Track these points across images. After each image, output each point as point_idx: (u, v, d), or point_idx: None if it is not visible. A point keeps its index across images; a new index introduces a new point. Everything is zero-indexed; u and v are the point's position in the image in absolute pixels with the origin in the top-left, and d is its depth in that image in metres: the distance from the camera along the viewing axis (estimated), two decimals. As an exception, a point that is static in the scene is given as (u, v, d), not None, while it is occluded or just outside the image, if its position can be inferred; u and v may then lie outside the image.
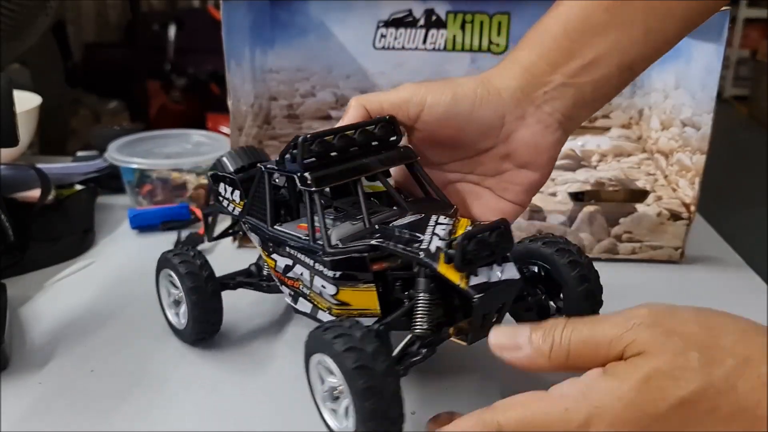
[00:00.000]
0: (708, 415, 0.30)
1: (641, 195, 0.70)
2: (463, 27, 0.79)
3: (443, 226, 0.41)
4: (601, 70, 0.45)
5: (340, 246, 0.41)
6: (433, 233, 0.40)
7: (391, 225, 0.42)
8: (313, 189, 0.42)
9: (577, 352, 0.34)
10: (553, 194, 0.69)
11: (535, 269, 0.46)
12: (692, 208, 0.66)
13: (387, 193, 0.47)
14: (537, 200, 0.67)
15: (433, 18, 0.79)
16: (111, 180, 0.80)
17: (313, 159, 0.43)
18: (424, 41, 0.80)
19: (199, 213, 0.74)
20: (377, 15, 0.79)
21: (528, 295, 0.45)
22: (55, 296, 0.61)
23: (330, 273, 0.42)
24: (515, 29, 0.79)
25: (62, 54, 1.55)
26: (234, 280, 0.54)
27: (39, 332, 0.56)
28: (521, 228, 0.66)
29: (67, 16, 2.31)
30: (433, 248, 0.39)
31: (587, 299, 0.43)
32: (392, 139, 0.46)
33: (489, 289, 0.38)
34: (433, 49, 0.80)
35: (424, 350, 0.40)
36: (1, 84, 0.57)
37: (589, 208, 0.67)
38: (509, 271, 0.39)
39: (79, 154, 0.86)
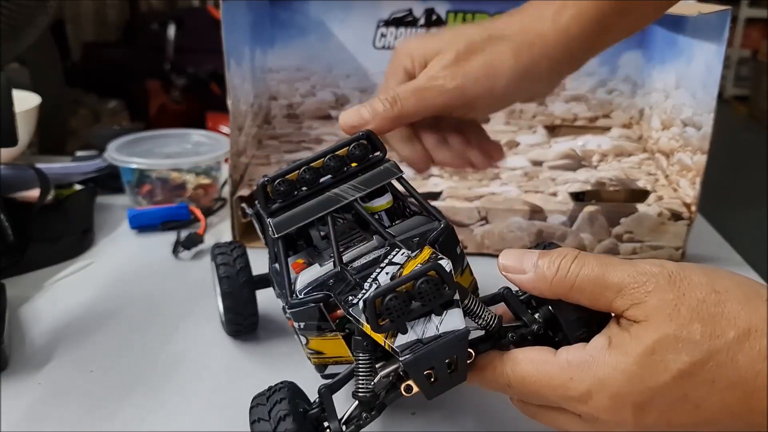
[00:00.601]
0: (707, 385, 0.30)
1: (642, 195, 0.70)
2: (463, 26, 0.79)
3: (392, 267, 0.37)
4: None
5: (299, 297, 0.39)
6: (375, 279, 0.36)
7: (350, 266, 0.39)
8: (275, 236, 0.40)
9: (582, 288, 0.34)
10: (554, 194, 0.69)
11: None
12: (693, 208, 0.66)
13: (371, 218, 0.42)
14: (537, 200, 0.67)
15: (434, 17, 0.79)
16: (110, 180, 0.80)
17: (279, 200, 0.41)
18: (425, 41, 0.79)
19: (198, 213, 0.74)
20: (377, 14, 0.79)
21: (520, 326, 0.39)
22: (55, 296, 0.61)
23: (296, 325, 0.40)
24: (516, 29, 0.79)
25: (61, 53, 1.55)
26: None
27: (38, 332, 0.55)
28: (522, 228, 0.66)
29: (66, 16, 2.31)
30: (361, 303, 0.35)
31: (580, 327, 0.36)
32: (375, 154, 0.43)
33: (420, 348, 0.34)
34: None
35: (369, 414, 0.37)
36: (0, 83, 0.57)
37: (589, 208, 0.67)
38: (450, 322, 0.34)
39: (79, 153, 0.85)
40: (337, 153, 0.42)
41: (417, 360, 0.34)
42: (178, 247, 0.69)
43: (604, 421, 0.33)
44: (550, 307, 0.38)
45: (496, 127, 0.83)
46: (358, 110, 0.46)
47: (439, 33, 0.50)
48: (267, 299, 0.53)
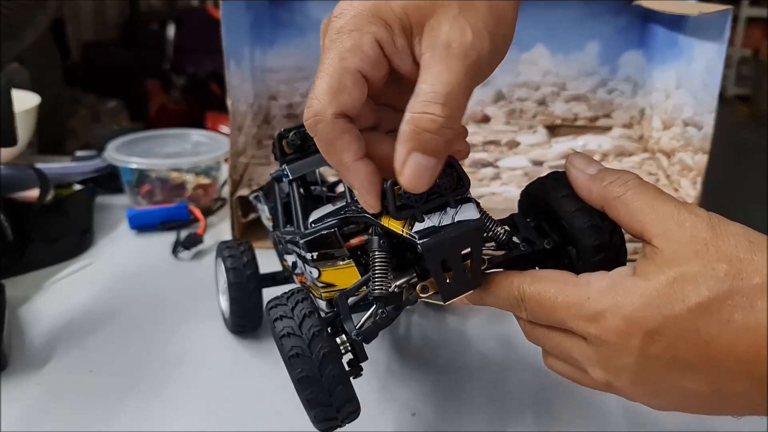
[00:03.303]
0: (721, 324, 0.30)
1: (642, 195, 0.69)
2: (463, 26, 0.79)
3: None
4: None
5: (313, 226, 0.41)
6: None
7: None
8: (290, 178, 0.43)
9: (628, 201, 0.34)
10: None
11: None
12: (694, 208, 0.66)
13: None
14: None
15: (434, 17, 0.79)
16: (110, 180, 0.80)
17: (294, 152, 0.45)
18: (425, 40, 0.79)
19: (198, 213, 0.74)
20: (377, 14, 0.79)
21: (530, 245, 0.38)
22: (54, 296, 0.61)
23: (308, 255, 0.40)
24: (516, 28, 0.79)
25: (61, 53, 1.55)
26: (281, 275, 0.54)
27: (38, 332, 0.55)
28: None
29: (65, 15, 2.31)
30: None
31: (599, 253, 0.36)
32: None
33: (436, 233, 0.34)
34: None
35: (386, 310, 0.37)
36: (0, 83, 0.57)
37: (590, 208, 0.66)
38: (465, 213, 0.35)
39: (78, 153, 0.85)
40: None
41: (434, 244, 0.34)
42: (178, 247, 0.68)
43: (611, 344, 0.32)
44: (561, 233, 0.38)
45: (496, 127, 0.82)
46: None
47: None
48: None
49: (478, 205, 0.37)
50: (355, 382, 0.38)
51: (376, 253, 0.36)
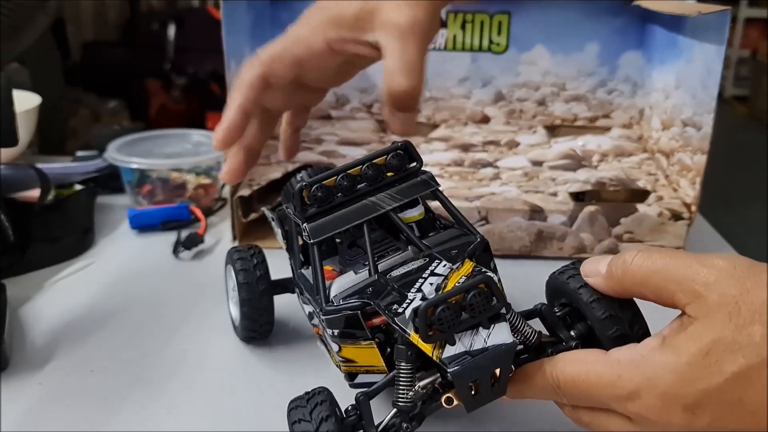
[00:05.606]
0: (762, 392, 0.29)
1: (642, 195, 0.70)
2: (463, 26, 0.79)
3: (435, 278, 0.37)
4: None
5: (334, 303, 0.39)
6: (420, 289, 0.36)
7: (388, 275, 0.39)
8: (311, 242, 0.40)
9: (646, 281, 0.34)
10: (554, 194, 0.69)
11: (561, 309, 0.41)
12: (693, 208, 0.66)
13: (407, 229, 0.42)
14: (537, 200, 0.67)
15: (434, 17, 0.79)
16: (111, 180, 0.80)
17: (316, 205, 0.41)
18: (425, 41, 0.79)
19: (198, 213, 0.74)
20: (377, 14, 0.79)
21: (556, 342, 0.39)
22: (55, 296, 0.61)
23: (329, 332, 0.39)
24: (515, 29, 0.79)
25: (61, 53, 1.55)
26: (293, 283, 0.52)
27: (39, 332, 0.55)
28: (522, 228, 0.66)
29: (65, 15, 2.31)
30: (408, 312, 0.35)
31: (619, 343, 0.36)
32: (411, 165, 0.43)
33: (468, 360, 0.34)
34: (434, 48, 0.80)
35: (408, 424, 0.37)
36: (0, 84, 0.57)
37: (589, 208, 0.67)
38: (498, 335, 0.34)
39: (79, 153, 0.85)
40: (374, 162, 0.42)
41: (465, 372, 0.34)
42: (179, 247, 0.69)
43: (654, 423, 0.32)
44: (586, 323, 0.38)
45: (496, 127, 0.83)
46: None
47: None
48: (277, 304, 0.53)
49: (510, 314, 0.37)
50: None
51: (402, 363, 0.36)
